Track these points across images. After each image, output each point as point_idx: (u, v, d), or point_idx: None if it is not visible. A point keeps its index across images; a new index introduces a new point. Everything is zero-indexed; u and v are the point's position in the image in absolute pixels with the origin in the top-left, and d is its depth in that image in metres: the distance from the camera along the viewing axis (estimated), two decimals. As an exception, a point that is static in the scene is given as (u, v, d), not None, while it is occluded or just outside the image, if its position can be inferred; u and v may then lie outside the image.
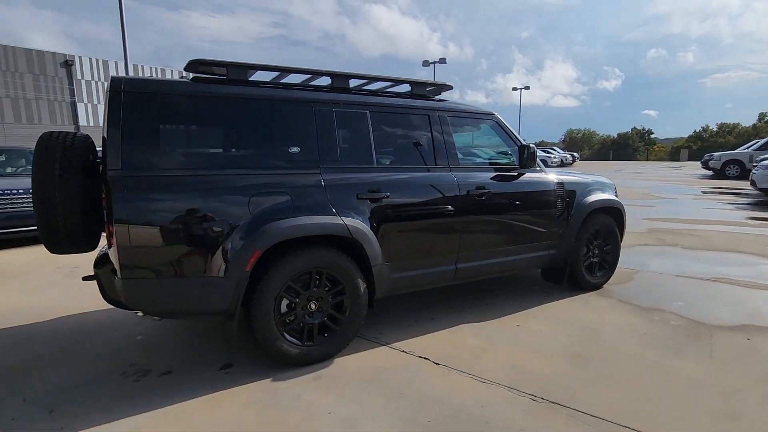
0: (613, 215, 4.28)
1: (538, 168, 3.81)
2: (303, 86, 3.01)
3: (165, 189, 2.35)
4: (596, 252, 4.23)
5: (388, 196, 2.94)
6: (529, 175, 3.70)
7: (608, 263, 4.32)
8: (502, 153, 3.85)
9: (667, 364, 2.73)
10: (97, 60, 38.13)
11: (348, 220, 2.75)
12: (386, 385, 2.51)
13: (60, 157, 2.44)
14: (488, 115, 3.69)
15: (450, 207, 3.22)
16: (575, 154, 36.51)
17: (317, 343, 2.76)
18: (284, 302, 2.67)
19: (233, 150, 2.68)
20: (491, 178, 3.48)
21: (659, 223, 7.80)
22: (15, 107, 35.29)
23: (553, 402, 2.32)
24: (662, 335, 3.17)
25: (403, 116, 3.22)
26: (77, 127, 37.46)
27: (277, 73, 2.95)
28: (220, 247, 2.43)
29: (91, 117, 38.23)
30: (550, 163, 29.15)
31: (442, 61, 26.83)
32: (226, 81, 2.69)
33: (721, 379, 2.54)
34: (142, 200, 2.29)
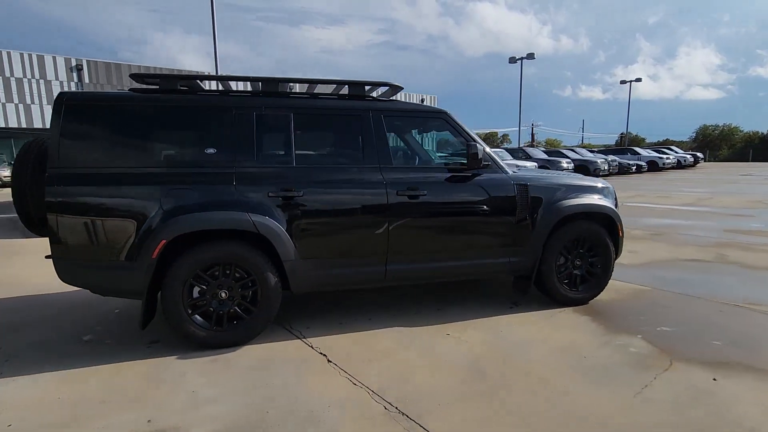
0: (602, 223, 3.77)
1: (496, 169, 3.53)
2: (233, 93, 3.26)
3: (88, 183, 2.78)
4: (578, 263, 3.77)
5: (302, 195, 3.04)
6: (479, 177, 3.46)
7: (595, 277, 3.81)
8: (458, 153, 3.65)
9: (577, 394, 2.38)
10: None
11: (256, 217, 2.92)
12: (264, 374, 2.63)
13: (33, 158, 3.03)
14: (436, 114, 3.54)
15: (374, 207, 3.19)
16: (698, 154, 31.32)
17: (226, 330, 2.98)
18: (196, 289, 2.94)
19: (153, 150, 3.02)
20: (428, 179, 3.35)
21: (738, 236, 6.48)
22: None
23: (402, 413, 2.21)
24: (605, 362, 2.74)
25: (331, 117, 3.28)
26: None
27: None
28: (132, 236, 2.79)
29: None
30: (661, 165, 25.64)
31: (530, 56, 25.12)
32: (158, 91, 3.06)
33: (625, 420, 2.15)
34: (68, 193, 2.74)
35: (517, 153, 19.74)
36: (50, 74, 38.05)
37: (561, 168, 18.24)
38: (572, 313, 3.60)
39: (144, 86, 3.18)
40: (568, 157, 19.57)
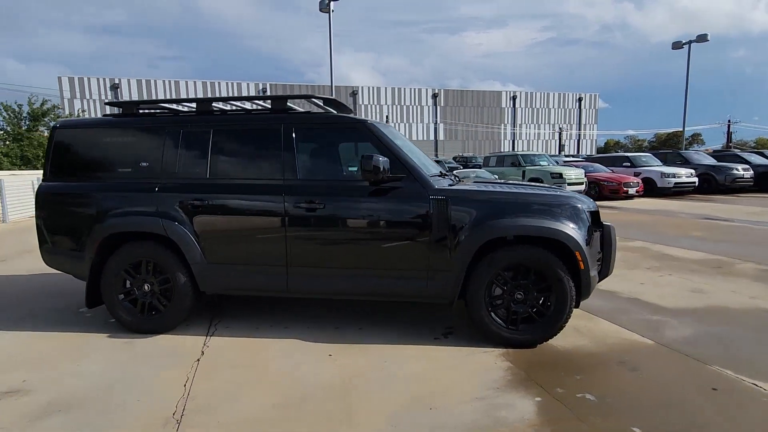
0: (554, 250, 3.02)
1: (413, 181, 3.17)
2: (177, 113, 3.71)
3: (60, 191, 3.58)
4: (519, 297, 3.09)
5: (208, 204, 3.31)
6: (385, 190, 3.16)
7: (545, 317, 3.08)
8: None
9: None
10: (372, 88, 46.94)
11: (167, 222, 3.32)
12: (140, 361, 2.98)
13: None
14: (353, 124, 3.37)
15: (273, 218, 3.25)
16: None
17: (147, 318, 3.45)
18: (128, 281, 3.48)
19: (107, 164, 3.65)
20: (329, 192, 3.23)
21: None
22: (319, 129, 47.47)
23: (178, 420, 2.27)
24: (448, 420, 2.25)
25: (245, 132, 3.45)
26: (355, 141, 47.76)
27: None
28: (84, 233, 3.48)
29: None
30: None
31: (701, 38, 19.88)
32: (121, 115, 3.73)
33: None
34: (47, 199, 3.59)
35: (672, 157, 16.17)
36: (243, 94, 46.58)
37: (732, 176, 14.21)
38: (497, 356, 2.98)
39: (115, 112, 3.90)
40: (747, 163, 15.03)
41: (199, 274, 3.36)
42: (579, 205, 3.13)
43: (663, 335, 3.28)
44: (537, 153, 16.16)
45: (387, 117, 36.38)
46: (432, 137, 48.43)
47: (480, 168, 15.61)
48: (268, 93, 45.72)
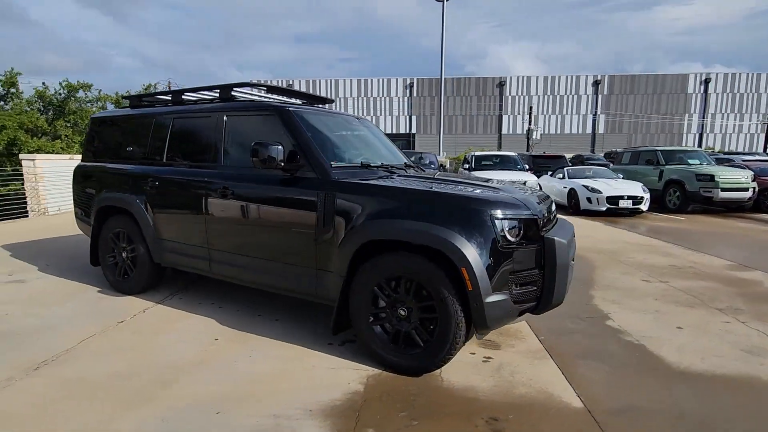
0: (441, 261, 2.43)
1: (309, 170, 2.92)
2: (162, 105, 4.14)
3: (81, 170, 4.41)
4: (403, 314, 2.59)
5: (157, 186, 3.66)
6: (280, 179, 2.98)
7: (428, 343, 2.52)
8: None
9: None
10: (521, 77, 44.13)
11: (132, 200, 3.80)
12: (84, 312, 3.50)
13: None
14: (268, 112, 3.23)
15: (196, 202, 3.41)
16: None
17: (121, 281, 4.01)
18: (113, 247, 4.10)
19: (114, 148, 4.28)
20: (238, 178, 3.21)
21: None
22: (463, 122, 47.01)
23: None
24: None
25: (192, 120, 3.65)
26: (500, 135, 45.60)
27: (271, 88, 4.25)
28: (91, 205, 4.23)
29: (511, 126, 45.14)
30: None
31: None
32: (130, 107, 4.36)
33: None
34: (78, 176, 4.46)
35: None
36: (392, 92, 48.97)
37: None
38: (361, 377, 2.56)
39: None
40: None
41: (151, 247, 3.76)
42: (487, 209, 2.43)
43: (610, 404, 2.34)
44: (691, 149, 12.83)
45: (531, 108, 33.55)
46: (589, 130, 43.00)
47: (606, 167, 13.22)
48: (414, 88, 47.01)
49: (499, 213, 2.43)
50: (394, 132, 46.32)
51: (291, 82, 47.86)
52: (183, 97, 3.96)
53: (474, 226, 2.41)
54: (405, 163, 3.84)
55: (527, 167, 12.49)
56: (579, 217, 9.73)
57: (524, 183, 10.47)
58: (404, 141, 46.23)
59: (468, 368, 2.68)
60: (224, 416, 2.17)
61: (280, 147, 2.88)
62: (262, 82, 43.73)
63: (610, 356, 2.87)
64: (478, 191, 2.68)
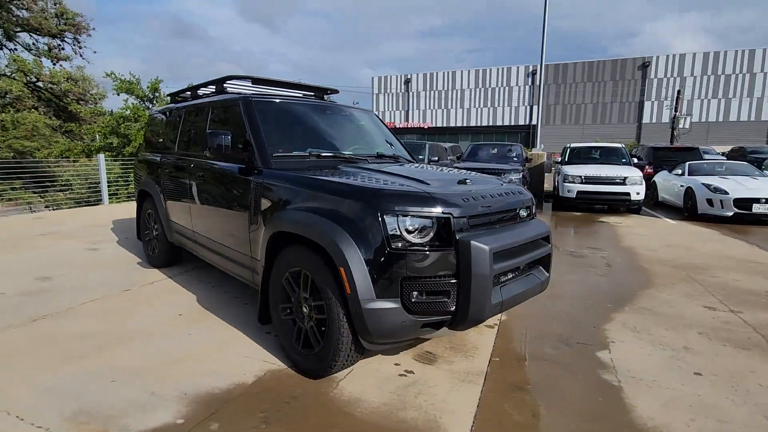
0: (326, 256, 2.23)
1: (250, 159, 2.93)
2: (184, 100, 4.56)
3: (138, 159, 5.13)
4: (305, 311, 2.45)
5: (166, 172, 4.10)
6: (228, 167, 3.11)
7: (320, 343, 2.35)
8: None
9: None
10: (671, 56, 37.73)
11: (152, 184, 4.33)
12: (112, 281, 4.11)
13: None
14: (235, 102, 3.28)
15: (186, 188, 3.71)
16: None
17: (151, 256, 4.60)
18: (148, 225, 4.72)
19: (154, 141, 4.87)
20: (210, 167, 3.38)
21: None
22: (594, 111, 42.27)
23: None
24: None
25: (193, 113, 3.93)
26: (639, 125, 39.62)
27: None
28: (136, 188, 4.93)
29: (655, 114, 39.03)
30: None
31: None
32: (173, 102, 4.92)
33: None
34: (135, 164, 5.22)
35: None
36: (513, 81, 46.51)
37: None
38: (264, 371, 2.51)
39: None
40: None
41: (165, 227, 4.22)
42: (377, 204, 2.14)
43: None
44: None
45: (679, 92, 28.00)
46: (766, 116, 34.77)
47: None
48: (537, 75, 43.44)
49: (391, 209, 2.12)
50: (512, 124, 43.75)
51: (409, 77, 48.56)
52: (198, 92, 4.33)
53: (362, 222, 2.15)
54: (394, 154, 3.63)
55: (635, 161, 10.62)
56: (691, 222, 7.97)
57: (624, 179, 9.00)
58: (524, 133, 43.33)
59: (376, 380, 2.42)
60: (113, 385, 2.34)
61: (226, 136, 2.95)
62: (387, 77, 45.06)
63: (561, 395, 2.30)
64: (393, 184, 2.37)
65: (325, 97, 4.32)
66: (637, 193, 8.97)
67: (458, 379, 2.44)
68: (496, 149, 11.06)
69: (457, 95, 46.44)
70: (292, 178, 2.63)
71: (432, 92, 47.65)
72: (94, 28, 18.83)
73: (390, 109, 49.86)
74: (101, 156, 9.57)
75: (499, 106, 45.04)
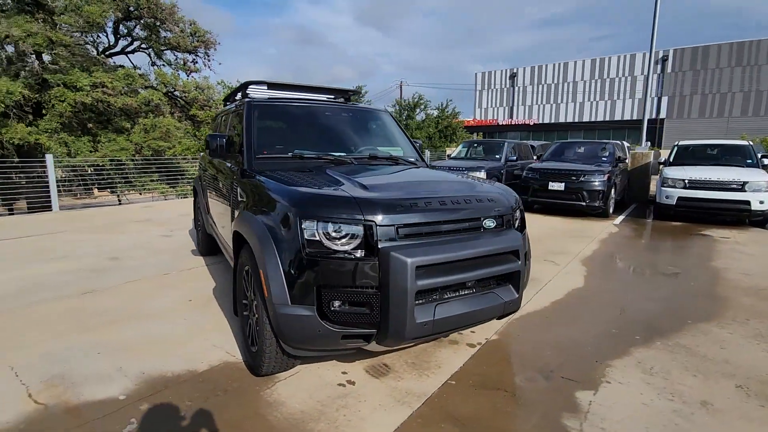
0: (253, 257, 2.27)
1: (242, 158, 3.10)
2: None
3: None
4: (253, 309, 2.52)
5: (204, 170, 4.53)
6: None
7: (255, 339, 2.40)
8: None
9: None
10: None
11: (197, 180, 4.84)
12: (163, 264, 4.70)
13: None
14: (242, 108, 3.45)
15: (210, 184, 4.07)
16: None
17: (199, 244, 5.14)
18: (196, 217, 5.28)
19: None
20: (220, 163, 3.67)
21: None
22: (744, 100, 35.68)
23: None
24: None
25: (222, 117, 4.27)
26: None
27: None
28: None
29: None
30: None
31: None
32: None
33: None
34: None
35: None
36: (637, 70, 41.41)
37: None
38: (218, 362, 2.64)
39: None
40: None
41: (204, 219, 4.68)
42: (294, 208, 2.10)
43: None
44: None
45: None
46: None
47: None
48: (669, 62, 37.80)
49: (310, 213, 2.07)
50: (633, 118, 38.81)
51: (515, 71, 46.08)
52: (236, 97, 4.68)
53: (285, 225, 2.14)
54: (392, 155, 3.56)
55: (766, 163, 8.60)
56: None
57: (743, 184, 7.44)
58: (649, 128, 38.05)
59: (313, 386, 2.38)
60: (97, 356, 2.68)
61: (222, 138, 3.16)
62: (491, 72, 43.55)
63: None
64: (326, 188, 2.31)
65: (351, 98, 4.34)
66: (761, 202, 7.30)
67: (394, 398, 2.28)
68: (583, 148, 9.94)
69: (569, 88, 42.74)
70: (255, 180, 2.72)
71: (540, 86, 44.58)
72: (219, 43, 21.64)
73: (493, 106, 47.95)
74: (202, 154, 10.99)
75: (618, 98, 40.36)
